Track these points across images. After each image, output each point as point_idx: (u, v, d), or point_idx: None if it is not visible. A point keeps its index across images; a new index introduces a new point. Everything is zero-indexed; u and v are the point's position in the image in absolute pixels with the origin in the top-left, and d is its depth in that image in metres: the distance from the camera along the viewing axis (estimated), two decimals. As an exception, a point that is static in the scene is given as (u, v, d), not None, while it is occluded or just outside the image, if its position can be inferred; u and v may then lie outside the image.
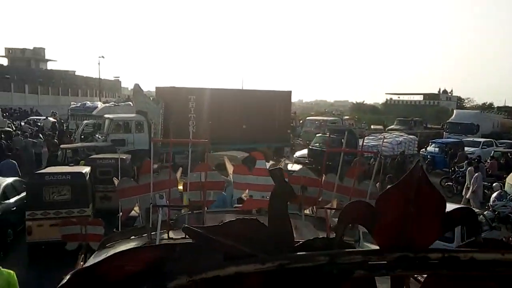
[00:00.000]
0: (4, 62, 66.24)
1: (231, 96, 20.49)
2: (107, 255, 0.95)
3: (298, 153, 20.99)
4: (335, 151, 6.16)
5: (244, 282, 1.01)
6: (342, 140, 14.76)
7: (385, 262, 1.05)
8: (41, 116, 34.51)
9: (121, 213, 3.79)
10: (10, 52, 72.56)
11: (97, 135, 18.48)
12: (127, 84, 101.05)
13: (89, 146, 16.16)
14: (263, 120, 20.00)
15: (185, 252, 1.04)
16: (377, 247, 1.09)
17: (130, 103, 27.77)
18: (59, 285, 0.92)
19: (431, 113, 50.72)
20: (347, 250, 1.06)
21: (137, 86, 20.11)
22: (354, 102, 67.59)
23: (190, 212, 3.08)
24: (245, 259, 1.01)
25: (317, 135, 20.78)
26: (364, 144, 16.15)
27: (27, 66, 67.72)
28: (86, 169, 10.34)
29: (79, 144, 17.24)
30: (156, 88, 20.49)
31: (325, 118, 31.85)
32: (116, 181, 4.74)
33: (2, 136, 17.66)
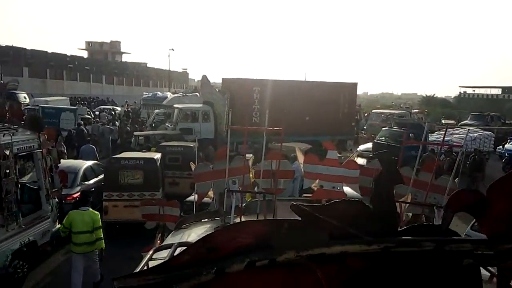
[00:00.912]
0: (85, 54, 71.61)
1: (295, 87, 20.34)
2: (221, 229, 0.98)
3: (362, 147, 20.40)
4: (412, 144, 5.85)
5: (347, 261, 1.00)
6: (411, 134, 14.07)
7: (495, 252, 0.97)
8: (116, 105, 36.97)
9: (196, 196, 3.93)
10: (89, 46, 78.41)
11: (166, 124, 19.37)
12: (194, 75, 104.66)
13: (159, 134, 16.98)
14: (327, 112, 19.68)
15: (292, 229, 1.05)
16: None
17: (197, 93, 28.71)
18: (178, 253, 0.97)
19: (510, 108, 46.43)
20: (455, 238, 0.99)
21: (204, 78, 20.70)
22: (424, 95, 63.75)
23: (262, 199, 3.11)
24: (350, 239, 1.00)
25: (383, 128, 20.04)
26: (434, 139, 15.26)
27: (104, 59, 72.65)
28: (157, 155, 10.87)
29: (150, 132, 18.18)
30: (223, 79, 20.92)
31: (392, 111, 30.51)
32: (193, 166, 4.93)
33: (82, 122, 19.17)
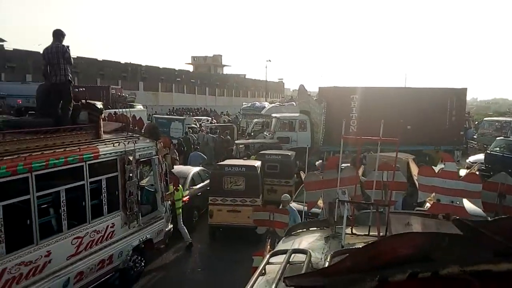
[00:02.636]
0: (190, 68, 77.25)
1: (395, 94, 19.31)
2: (383, 239, 1.03)
3: (472, 158, 18.55)
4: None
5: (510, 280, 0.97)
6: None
7: None
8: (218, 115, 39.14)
9: (306, 205, 4.02)
10: (195, 60, 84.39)
11: (265, 133, 19.94)
12: (289, 85, 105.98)
13: (258, 142, 17.55)
14: (432, 120, 18.29)
15: (454, 243, 1.04)
16: None
17: (294, 103, 29.04)
18: (340, 259, 1.04)
19: None
20: None
21: (302, 87, 20.87)
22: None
23: (374, 210, 3.07)
24: None
25: (498, 138, 18.00)
26: None
27: (207, 72, 77.54)
28: (258, 163, 11.27)
29: (250, 140, 18.89)
30: (319, 88, 20.85)
31: (508, 118, 27.20)
32: (303, 175, 5.06)
33: (190, 131, 20.72)
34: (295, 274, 1.15)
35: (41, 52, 7.45)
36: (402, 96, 19.10)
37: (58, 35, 7.19)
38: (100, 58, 48.31)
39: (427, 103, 18.46)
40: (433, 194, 3.39)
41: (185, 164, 14.34)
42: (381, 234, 2.86)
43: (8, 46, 41.69)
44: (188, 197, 10.80)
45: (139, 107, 29.91)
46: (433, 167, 3.85)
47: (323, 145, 18.15)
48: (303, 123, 18.85)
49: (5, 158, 5.32)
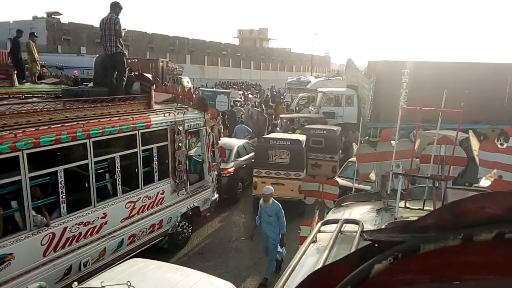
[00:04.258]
0: (236, 42, 77.10)
1: (449, 69, 18.17)
2: (471, 195, 0.99)
3: None
4: None
5: None
6: None
7: None
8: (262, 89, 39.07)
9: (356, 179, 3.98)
10: (240, 33, 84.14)
11: (310, 107, 19.67)
12: (336, 59, 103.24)
13: (303, 117, 17.39)
14: (489, 97, 17.11)
15: None
16: None
17: (340, 77, 28.29)
18: (422, 216, 1.02)
19: None
20: None
21: (350, 61, 20.23)
22: None
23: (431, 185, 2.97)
24: None
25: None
26: None
27: (253, 45, 77.09)
28: (303, 137, 11.20)
29: (295, 115, 18.73)
30: (369, 62, 20.10)
31: None
32: (355, 147, 4.98)
33: (236, 104, 20.88)
34: (372, 229, 1.15)
35: (98, 23, 7.72)
36: (456, 71, 17.94)
37: (115, 6, 7.40)
38: (149, 31, 49.38)
39: (484, 79, 17.26)
40: (495, 170, 3.22)
41: (230, 136, 14.54)
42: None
43: (64, 19, 43.46)
44: (233, 168, 11.00)
45: (186, 80, 30.49)
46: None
47: (370, 121, 17.66)
48: (350, 98, 18.36)
49: (66, 124, 5.64)
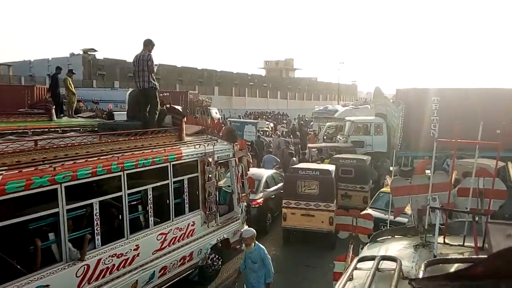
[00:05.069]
0: (263, 73, 78.53)
1: (483, 96, 17.71)
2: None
3: None
4: None
5: None
6: None
7: None
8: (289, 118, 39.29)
9: (393, 211, 3.89)
10: (267, 64, 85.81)
11: (338, 136, 19.54)
12: (363, 87, 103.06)
13: (331, 146, 17.27)
14: None
15: None
16: None
17: (368, 106, 28.10)
18: (472, 265, 0.99)
19: None
20: None
21: (377, 89, 20.14)
22: None
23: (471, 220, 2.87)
24: None
25: None
26: None
27: (279, 75, 78.24)
28: (332, 167, 11.09)
29: (323, 144, 18.64)
30: (397, 90, 19.92)
31: None
32: (389, 179, 4.91)
33: (262, 134, 21.04)
34: (419, 277, 1.12)
35: (131, 59, 8.09)
36: (490, 98, 17.50)
37: (148, 44, 7.76)
38: (179, 65, 51.13)
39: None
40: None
41: (258, 166, 14.57)
42: (478, 245, 2.66)
43: (99, 55, 45.74)
44: (262, 199, 10.97)
45: (215, 111, 31.11)
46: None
47: (401, 149, 17.30)
48: (379, 126, 18.12)
49: (101, 157, 5.84)
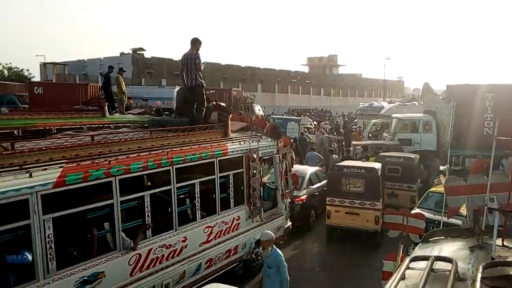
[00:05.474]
0: (306, 69, 77.90)
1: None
2: None
3: None
4: None
5: None
6: None
7: None
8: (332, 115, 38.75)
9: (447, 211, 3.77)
10: (310, 61, 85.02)
11: (384, 134, 19.02)
12: (409, 84, 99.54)
13: (377, 144, 16.85)
14: None
15: None
16: None
17: (416, 102, 27.10)
18: None
19: None
20: None
21: (427, 85, 19.35)
22: None
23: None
24: None
25: None
26: None
27: (322, 72, 77.25)
28: (378, 165, 10.83)
29: (368, 142, 18.23)
30: (447, 86, 19.01)
31: None
32: (443, 179, 4.76)
33: (305, 131, 20.92)
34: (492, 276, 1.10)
35: (178, 58, 8.32)
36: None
37: (195, 42, 7.95)
38: (223, 62, 51.88)
39: None
40: None
41: (301, 163, 14.51)
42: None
43: (147, 54, 47.38)
44: (305, 196, 10.93)
45: (258, 107, 31.26)
46: None
47: (452, 148, 16.55)
48: (427, 124, 17.40)
49: (152, 152, 6.09)
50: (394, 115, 19.51)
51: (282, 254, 5.79)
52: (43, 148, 5.09)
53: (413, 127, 17.62)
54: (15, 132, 9.28)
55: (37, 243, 4.66)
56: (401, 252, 4.26)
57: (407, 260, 2.46)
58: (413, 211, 7.65)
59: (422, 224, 4.72)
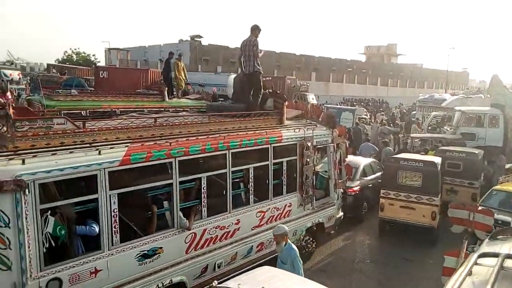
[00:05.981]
0: (363, 58, 75.49)
1: None
2: None
3: None
4: None
5: None
6: None
7: None
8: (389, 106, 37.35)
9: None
10: (367, 50, 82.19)
11: (445, 127, 18.08)
12: (475, 75, 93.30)
13: (437, 137, 16.09)
14: None
15: None
16: None
17: (482, 95, 25.41)
18: None
19: None
20: None
21: (495, 77, 18.06)
22: None
23: None
24: None
25: None
26: None
27: (380, 61, 74.43)
28: (438, 159, 10.36)
29: (427, 135, 17.45)
30: (520, 78, 17.67)
31: None
32: None
33: (359, 122, 20.39)
34: None
35: (233, 46, 8.41)
36: None
37: (255, 29, 7.99)
38: (277, 50, 51.66)
39: None
40: None
41: (355, 154, 14.20)
42: None
43: (204, 41, 48.31)
44: (358, 187, 10.73)
45: (311, 96, 30.88)
46: None
47: (516, 144, 15.44)
48: (494, 118, 16.29)
49: (210, 136, 6.27)
50: (457, 108, 18.45)
51: (296, 249, 5.60)
52: (111, 128, 5.43)
53: (478, 121, 16.61)
54: (82, 113, 9.96)
55: (104, 217, 5.01)
56: (465, 249, 4.07)
57: (475, 255, 2.37)
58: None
59: (491, 221, 4.46)
